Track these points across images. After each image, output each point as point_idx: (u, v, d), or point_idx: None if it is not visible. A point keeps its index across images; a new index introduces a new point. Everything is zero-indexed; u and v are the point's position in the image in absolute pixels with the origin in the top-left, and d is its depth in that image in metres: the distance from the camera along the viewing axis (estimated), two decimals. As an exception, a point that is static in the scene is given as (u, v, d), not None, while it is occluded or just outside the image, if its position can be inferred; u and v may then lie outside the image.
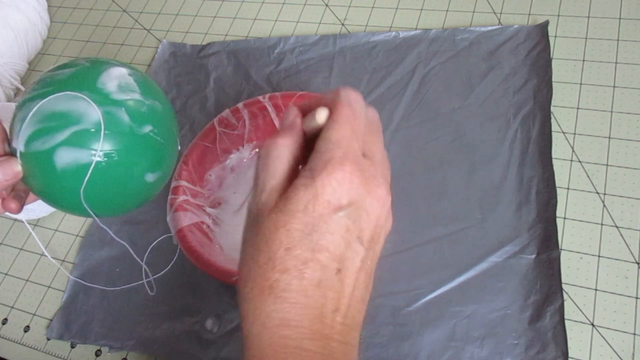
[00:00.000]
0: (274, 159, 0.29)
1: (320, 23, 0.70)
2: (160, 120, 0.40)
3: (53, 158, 0.37)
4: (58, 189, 0.38)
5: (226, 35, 0.74)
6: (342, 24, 0.69)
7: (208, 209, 0.56)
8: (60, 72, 0.39)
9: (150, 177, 0.40)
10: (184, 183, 0.54)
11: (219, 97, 0.67)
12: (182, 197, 0.53)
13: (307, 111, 0.31)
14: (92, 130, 0.36)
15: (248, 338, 0.28)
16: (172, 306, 0.54)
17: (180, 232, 0.50)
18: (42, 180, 0.38)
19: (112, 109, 0.37)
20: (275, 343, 0.27)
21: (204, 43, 0.73)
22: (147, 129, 0.39)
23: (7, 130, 0.39)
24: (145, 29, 0.79)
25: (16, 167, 0.37)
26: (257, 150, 0.60)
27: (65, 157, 0.37)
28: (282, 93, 0.57)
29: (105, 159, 0.37)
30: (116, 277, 0.57)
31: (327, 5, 0.72)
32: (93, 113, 0.36)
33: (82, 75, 0.39)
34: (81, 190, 0.37)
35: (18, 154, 0.37)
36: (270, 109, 0.57)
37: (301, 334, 0.27)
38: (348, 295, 0.29)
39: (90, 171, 0.37)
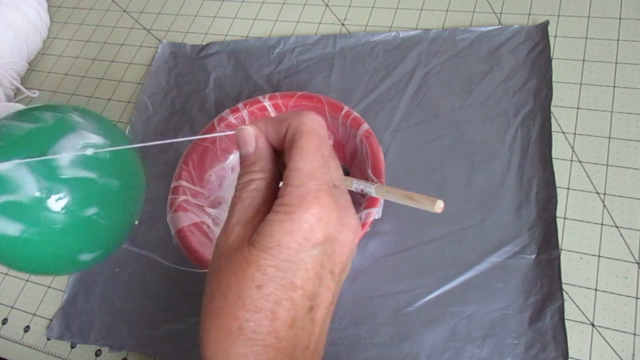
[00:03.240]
0: (250, 193, 0.28)
1: (320, 23, 0.70)
2: (110, 201, 0.37)
3: None
4: None
5: (226, 35, 0.74)
6: (342, 24, 0.69)
7: (208, 209, 0.56)
8: (19, 125, 0.36)
9: (85, 257, 0.38)
10: (184, 183, 0.54)
11: (219, 97, 0.67)
12: (182, 197, 0.53)
13: (268, 132, 0.30)
14: (25, 203, 0.34)
15: None
16: (172, 306, 0.54)
17: (180, 232, 0.50)
18: None
19: (54, 186, 0.34)
20: None
21: (204, 43, 0.73)
22: (91, 211, 0.36)
23: None
24: (145, 29, 0.79)
25: None
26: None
27: None
28: (282, 93, 0.57)
29: (36, 237, 0.35)
30: (116, 277, 0.57)
31: (327, 5, 0.72)
32: (31, 187, 0.34)
33: (38, 135, 0.36)
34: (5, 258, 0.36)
35: None
36: (270, 109, 0.57)
37: None
38: (318, 332, 0.28)
39: (16, 243, 0.35)
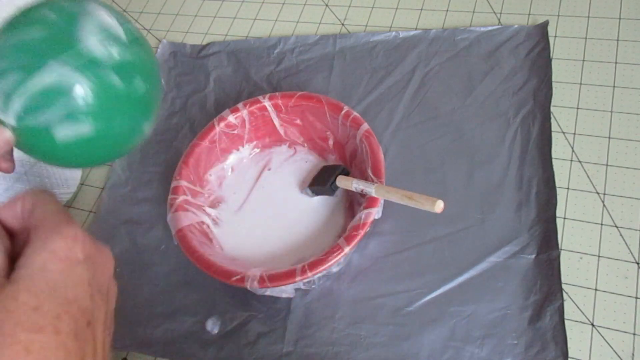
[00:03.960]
0: None
1: (320, 23, 0.70)
2: (142, 66, 0.39)
3: (51, 134, 0.35)
4: (58, 159, 0.38)
5: (226, 35, 0.74)
6: (342, 24, 0.69)
7: (208, 209, 0.56)
8: (29, 33, 0.36)
9: (146, 126, 0.40)
10: (184, 183, 0.54)
11: (219, 97, 0.67)
12: (182, 197, 0.53)
13: (4, 215, 0.32)
14: (83, 103, 0.35)
15: None
16: (172, 306, 0.54)
17: (180, 232, 0.50)
18: (40, 153, 0.37)
19: (100, 72, 0.35)
20: None
21: (204, 43, 0.73)
22: (136, 82, 0.38)
23: None
24: (145, 29, 0.79)
25: (6, 134, 0.35)
26: (256, 150, 0.60)
27: (63, 132, 0.35)
28: (282, 93, 0.57)
29: (100, 124, 0.36)
30: (116, 277, 0.57)
31: (327, 5, 0.72)
32: (82, 83, 0.35)
33: (57, 35, 0.36)
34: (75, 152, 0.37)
35: (9, 127, 0.35)
36: (270, 109, 0.57)
37: None
38: (101, 347, 0.30)
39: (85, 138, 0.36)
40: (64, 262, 0.28)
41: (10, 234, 0.32)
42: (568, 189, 0.51)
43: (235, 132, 0.58)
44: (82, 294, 0.29)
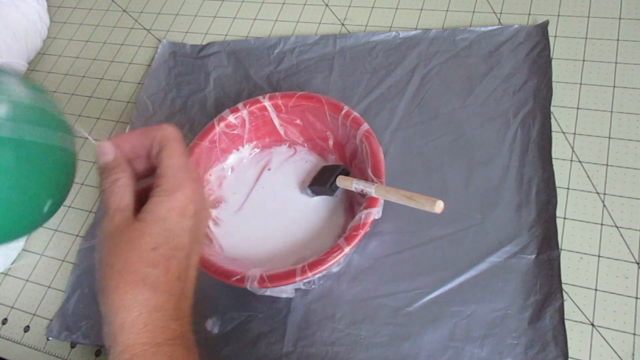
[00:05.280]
0: (120, 187, 0.36)
1: (320, 23, 0.70)
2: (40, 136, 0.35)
3: None
4: None
5: (226, 35, 0.74)
6: (342, 24, 0.69)
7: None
8: None
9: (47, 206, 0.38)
10: (184, 183, 0.54)
11: (219, 97, 0.67)
12: (182, 197, 0.53)
13: (132, 143, 0.38)
14: None
15: (123, 326, 0.32)
16: (172, 306, 0.54)
17: (180, 232, 0.50)
18: None
19: None
20: (150, 324, 0.33)
21: (204, 43, 0.73)
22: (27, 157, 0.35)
23: None
24: (145, 29, 0.79)
25: None
26: (256, 150, 0.60)
27: None
28: (282, 93, 0.57)
29: None
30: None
31: (327, 5, 0.72)
32: None
33: None
34: None
35: None
36: (270, 109, 0.57)
37: (169, 316, 0.34)
38: (192, 281, 0.37)
39: None
40: (180, 217, 0.35)
41: (128, 159, 0.38)
42: (568, 189, 0.51)
43: (235, 132, 0.58)
44: (189, 241, 0.36)
